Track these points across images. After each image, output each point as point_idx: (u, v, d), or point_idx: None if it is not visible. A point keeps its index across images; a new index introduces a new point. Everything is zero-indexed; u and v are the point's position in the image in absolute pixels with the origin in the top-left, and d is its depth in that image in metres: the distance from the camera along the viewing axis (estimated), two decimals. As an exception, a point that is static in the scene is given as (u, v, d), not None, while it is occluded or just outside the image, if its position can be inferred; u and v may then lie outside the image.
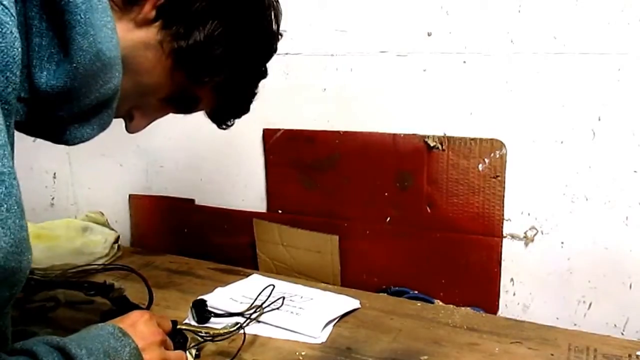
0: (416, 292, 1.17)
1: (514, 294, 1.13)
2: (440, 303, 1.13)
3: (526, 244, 1.10)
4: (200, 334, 0.88)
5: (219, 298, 1.08)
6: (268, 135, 1.28)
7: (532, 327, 0.99)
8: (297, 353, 0.91)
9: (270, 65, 0.80)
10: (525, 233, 1.10)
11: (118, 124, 0.72)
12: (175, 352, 0.79)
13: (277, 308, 1.02)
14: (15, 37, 0.52)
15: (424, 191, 1.15)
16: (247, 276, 1.21)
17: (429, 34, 1.10)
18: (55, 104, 0.60)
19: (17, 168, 0.54)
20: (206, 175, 1.40)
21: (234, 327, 0.90)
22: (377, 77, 1.16)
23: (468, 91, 1.09)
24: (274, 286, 1.02)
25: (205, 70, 0.71)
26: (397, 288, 1.19)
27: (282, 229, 1.29)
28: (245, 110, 0.82)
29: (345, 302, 1.07)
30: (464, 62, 1.08)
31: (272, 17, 0.76)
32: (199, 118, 0.81)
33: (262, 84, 0.81)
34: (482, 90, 1.08)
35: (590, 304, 1.07)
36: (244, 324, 0.92)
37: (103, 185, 1.56)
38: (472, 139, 1.10)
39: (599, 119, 1.01)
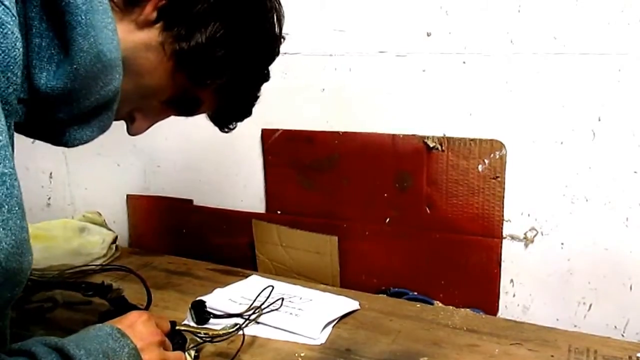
0: (416, 293, 1.17)
1: (514, 295, 1.12)
2: (440, 304, 1.13)
3: (526, 245, 1.10)
4: (199, 334, 0.88)
5: (217, 299, 1.07)
6: (267, 135, 1.28)
7: (532, 329, 0.99)
8: (296, 354, 0.90)
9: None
10: (525, 234, 1.09)
11: (115, 124, 0.71)
12: (174, 353, 0.78)
13: (276, 309, 1.01)
14: (16, 37, 0.52)
15: (424, 192, 1.15)
16: (246, 277, 1.21)
17: (429, 34, 1.10)
18: (55, 105, 0.60)
19: (13, 168, 0.53)
20: (204, 175, 1.40)
21: (233, 328, 0.89)
22: (377, 78, 1.15)
23: (468, 92, 1.09)
24: (273, 287, 1.01)
25: (207, 72, 0.70)
26: (396, 289, 1.19)
27: (281, 230, 1.29)
28: (248, 113, 0.82)
29: (345, 303, 1.07)
30: (464, 62, 1.08)
31: (275, 19, 0.75)
32: (197, 118, 0.81)
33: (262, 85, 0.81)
34: (481, 91, 1.08)
35: (590, 305, 1.07)
36: (243, 325, 0.92)
37: (100, 186, 1.56)
38: (472, 140, 1.09)
39: (599, 120, 1.00)
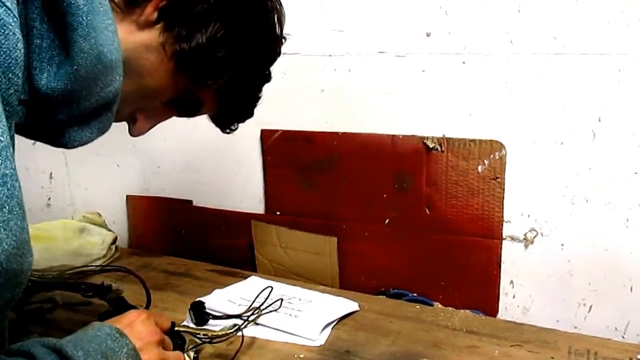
0: (415, 294, 1.17)
1: (514, 297, 1.12)
2: (440, 305, 1.13)
3: (526, 246, 1.10)
4: (198, 335, 0.88)
5: (217, 300, 1.07)
6: (266, 136, 1.28)
7: (532, 330, 0.99)
8: (296, 355, 0.90)
9: (269, 65, 0.80)
10: (525, 235, 1.09)
11: (115, 125, 0.71)
12: (174, 353, 0.78)
13: (276, 310, 1.01)
14: (18, 38, 0.52)
15: (423, 193, 1.15)
16: (245, 278, 1.21)
17: (428, 35, 1.10)
18: (55, 106, 0.60)
19: (13, 168, 0.53)
20: (204, 176, 1.40)
21: (232, 329, 0.89)
22: (376, 78, 1.15)
23: (467, 92, 1.09)
24: (272, 288, 1.01)
25: (208, 73, 0.70)
26: (396, 290, 1.19)
27: (281, 231, 1.28)
28: (249, 114, 0.82)
29: (344, 305, 1.07)
30: (463, 62, 1.08)
31: (275, 20, 0.75)
32: (197, 119, 0.81)
33: (262, 86, 0.81)
34: (481, 91, 1.08)
35: (590, 307, 1.07)
36: (242, 326, 0.91)
37: (100, 186, 1.56)
38: (472, 140, 1.09)
39: (599, 120, 1.00)
